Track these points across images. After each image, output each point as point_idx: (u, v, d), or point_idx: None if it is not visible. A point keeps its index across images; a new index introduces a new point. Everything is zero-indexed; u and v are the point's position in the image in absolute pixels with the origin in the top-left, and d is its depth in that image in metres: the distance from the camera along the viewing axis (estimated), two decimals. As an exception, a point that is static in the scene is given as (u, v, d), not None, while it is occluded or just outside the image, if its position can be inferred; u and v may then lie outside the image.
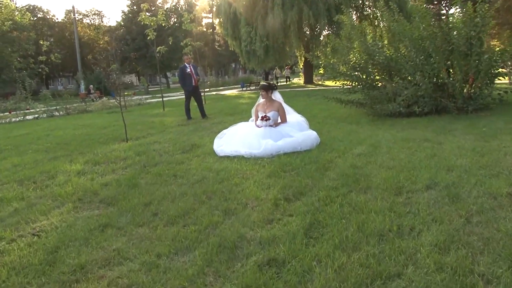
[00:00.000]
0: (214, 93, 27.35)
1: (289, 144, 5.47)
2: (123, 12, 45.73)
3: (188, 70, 10.37)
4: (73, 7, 43.91)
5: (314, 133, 6.01)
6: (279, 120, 6.14)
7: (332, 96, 9.69)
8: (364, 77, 9.49)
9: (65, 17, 47.66)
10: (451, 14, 11.80)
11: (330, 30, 28.17)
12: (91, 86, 28.99)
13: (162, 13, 13.56)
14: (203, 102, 11.40)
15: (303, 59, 32.48)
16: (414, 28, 9.05)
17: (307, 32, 29.27)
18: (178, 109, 13.81)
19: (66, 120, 13.27)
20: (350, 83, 9.66)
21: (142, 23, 14.00)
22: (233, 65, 61.52)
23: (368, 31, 11.35)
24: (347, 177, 4.08)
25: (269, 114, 6.02)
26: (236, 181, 4.27)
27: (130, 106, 18.45)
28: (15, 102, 20.59)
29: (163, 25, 13.64)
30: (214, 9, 33.67)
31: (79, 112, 16.52)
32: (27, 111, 17.27)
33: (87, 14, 49.82)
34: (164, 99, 16.46)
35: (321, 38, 28.68)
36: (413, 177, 3.94)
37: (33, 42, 36.66)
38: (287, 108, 6.40)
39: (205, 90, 26.33)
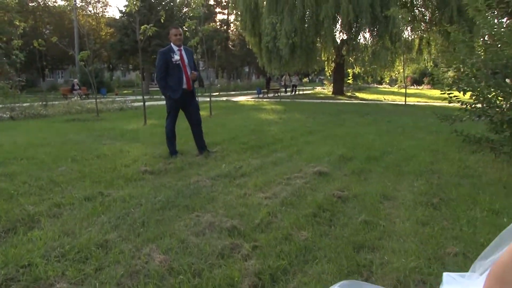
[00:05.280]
0: (224, 98, 22.24)
1: None
2: (126, -1, 40.82)
3: (177, 57, 5.10)
4: (73, -9, 39.14)
5: None
6: None
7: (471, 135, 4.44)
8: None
9: (65, 3, 43.10)
10: None
11: (371, 31, 22.91)
12: (75, 80, 23.72)
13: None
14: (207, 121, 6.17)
15: (332, 64, 27.29)
16: None
17: (342, 32, 24.04)
18: (167, 125, 8.59)
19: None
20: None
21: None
22: (246, 69, 56.44)
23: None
24: None
25: None
26: None
27: (108, 111, 13.36)
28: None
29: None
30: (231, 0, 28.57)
31: (29, 117, 11.38)
32: None
33: (89, 1, 45.23)
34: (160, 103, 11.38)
35: (359, 40, 23.38)
36: None
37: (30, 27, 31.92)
38: None
39: (214, 94, 21.28)
